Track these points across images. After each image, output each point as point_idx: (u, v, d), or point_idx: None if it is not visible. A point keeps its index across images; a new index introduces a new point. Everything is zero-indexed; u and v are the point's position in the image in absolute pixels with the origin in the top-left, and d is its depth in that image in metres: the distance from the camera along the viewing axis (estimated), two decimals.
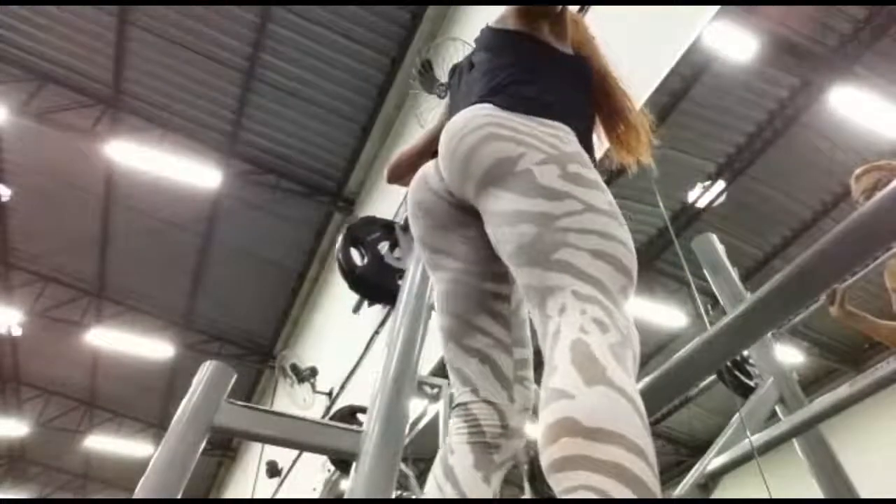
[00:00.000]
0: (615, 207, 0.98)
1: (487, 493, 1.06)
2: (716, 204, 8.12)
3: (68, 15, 7.43)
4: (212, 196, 8.84)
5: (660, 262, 9.30)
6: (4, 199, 9.21)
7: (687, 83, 7.11)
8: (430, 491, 1.08)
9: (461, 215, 1.15)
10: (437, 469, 1.10)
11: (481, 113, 1.05)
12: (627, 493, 0.68)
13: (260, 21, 7.25)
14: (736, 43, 6.58)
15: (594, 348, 0.79)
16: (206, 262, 10.05)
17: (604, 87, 1.31)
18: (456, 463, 1.08)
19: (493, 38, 1.22)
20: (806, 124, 7.32)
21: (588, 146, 1.12)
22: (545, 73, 1.14)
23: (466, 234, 1.16)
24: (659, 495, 0.72)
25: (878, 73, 6.71)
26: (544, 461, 0.74)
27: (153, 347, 11.30)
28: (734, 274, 2.55)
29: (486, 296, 1.16)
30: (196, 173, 8.42)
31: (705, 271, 2.59)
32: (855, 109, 6.95)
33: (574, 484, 0.70)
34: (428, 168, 1.20)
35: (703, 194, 8.09)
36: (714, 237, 2.60)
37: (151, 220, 9.45)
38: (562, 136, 1.02)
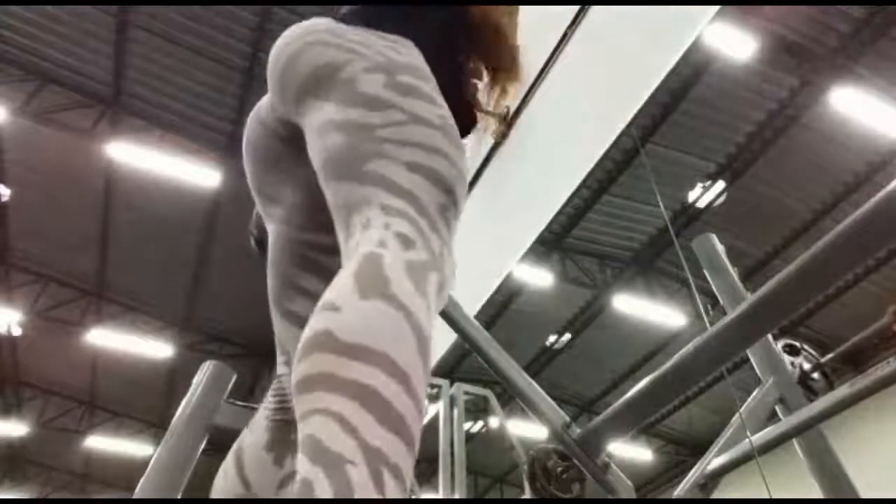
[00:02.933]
0: (451, 125, 0.88)
1: (276, 476, 0.93)
2: (716, 204, 8.12)
3: (68, 15, 7.43)
4: (212, 196, 8.84)
5: (660, 262, 9.31)
6: (4, 199, 9.21)
7: (687, 83, 7.12)
8: (217, 477, 0.97)
9: (286, 148, 1.02)
10: (230, 453, 0.99)
11: (311, 23, 0.97)
12: (368, 419, 0.57)
13: (260, 21, 7.25)
14: (736, 43, 6.58)
15: (385, 261, 0.68)
16: (206, 262, 10.05)
17: (483, 29, 1.23)
18: (248, 444, 0.97)
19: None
20: (806, 124, 7.32)
21: (443, 72, 1.01)
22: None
23: (292, 172, 1.02)
24: (412, 425, 0.60)
25: (878, 73, 6.71)
26: (293, 382, 0.63)
27: (153, 347, 11.30)
28: (734, 274, 2.55)
29: (312, 249, 1.02)
30: (196, 173, 8.43)
31: (705, 271, 2.58)
32: (855, 109, 6.95)
33: (308, 408, 0.59)
34: (262, 101, 1.09)
35: (703, 194, 8.10)
36: (714, 237, 2.60)
37: (151, 219, 9.45)
38: (399, 48, 0.92)
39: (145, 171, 8.41)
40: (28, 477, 15.10)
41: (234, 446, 0.99)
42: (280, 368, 1.03)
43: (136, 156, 8.27)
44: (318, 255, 1.02)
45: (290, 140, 1.00)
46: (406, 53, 0.92)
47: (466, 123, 1.23)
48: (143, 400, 12.94)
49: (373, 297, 0.64)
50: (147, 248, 9.88)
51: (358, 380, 0.59)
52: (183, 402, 1.69)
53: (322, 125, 0.85)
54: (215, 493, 0.95)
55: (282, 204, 1.04)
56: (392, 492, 0.55)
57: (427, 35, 1.00)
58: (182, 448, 1.61)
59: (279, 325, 1.04)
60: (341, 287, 0.67)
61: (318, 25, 0.96)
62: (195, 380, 1.74)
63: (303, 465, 0.57)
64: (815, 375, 2.31)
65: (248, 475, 0.93)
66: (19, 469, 14.84)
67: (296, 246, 1.03)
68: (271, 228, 1.06)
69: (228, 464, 0.97)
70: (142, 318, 11.25)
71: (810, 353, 2.34)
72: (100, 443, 13.53)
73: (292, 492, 0.59)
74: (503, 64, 1.29)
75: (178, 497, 1.56)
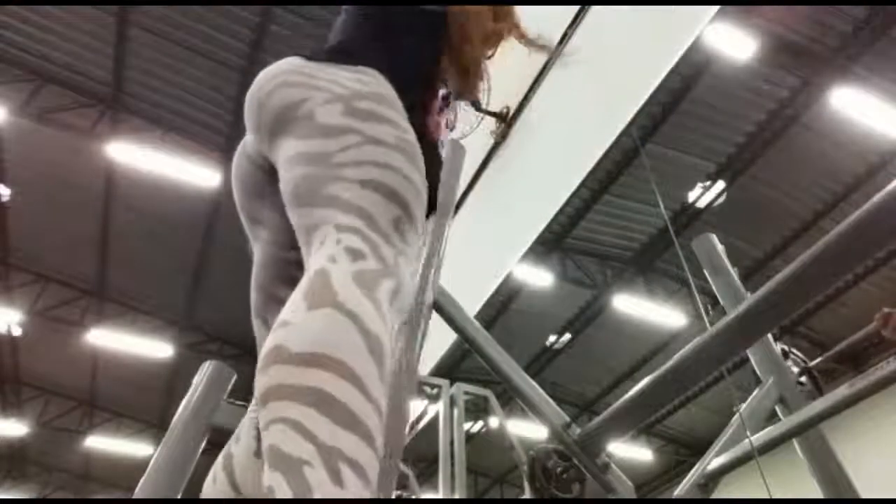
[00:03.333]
0: (410, 144, 0.91)
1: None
2: (716, 204, 8.12)
3: (68, 15, 7.43)
4: (212, 196, 8.84)
5: (660, 262, 9.31)
6: (4, 199, 9.21)
7: (687, 83, 7.12)
8: (206, 481, 1.01)
9: (268, 179, 1.06)
10: (219, 458, 1.03)
11: (280, 65, 1.01)
12: (325, 423, 0.60)
13: (260, 21, 7.25)
14: (736, 43, 6.58)
15: (332, 275, 0.71)
16: (206, 262, 10.05)
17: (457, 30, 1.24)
18: (236, 451, 1.00)
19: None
20: (806, 124, 7.32)
21: (418, 91, 1.08)
22: (375, 22, 1.12)
23: (275, 200, 1.05)
24: (368, 421, 0.62)
25: (878, 73, 6.71)
26: (255, 397, 0.67)
27: (153, 347, 11.30)
28: (734, 274, 2.55)
29: (290, 266, 1.07)
30: (196, 173, 8.43)
31: (705, 271, 2.58)
32: (855, 109, 6.95)
33: (271, 417, 0.62)
34: (247, 137, 1.13)
35: (703, 194, 8.10)
36: (714, 237, 2.60)
37: (151, 220, 9.45)
38: (364, 79, 0.96)
39: (145, 171, 8.41)
40: (28, 477, 15.09)
41: (224, 451, 1.02)
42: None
43: (136, 156, 8.27)
44: (296, 272, 1.08)
45: (270, 171, 1.04)
46: (369, 83, 0.95)
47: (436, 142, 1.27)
48: (143, 400, 12.94)
49: (320, 307, 0.68)
50: (147, 248, 9.88)
51: (311, 385, 0.62)
52: (183, 402, 1.69)
53: (286, 160, 0.89)
54: (204, 496, 0.99)
55: (267, 227, 1.10)
56: (352, 485, 0.58)
57: (402, 62, 1.05)
58: (182, 448, 1.61)
59: (262, 336, 1.09)
60: (291, 304, 0.71)
61: (285, 66, 0.99)
62: (195, 380, 1.74)
63: (266, 472, 0.60)
64: (803, 379, 2.31)
65: (238, 482, 0.96)
66: (19, 469, 14.84)
67: (279, 263, 1.09)
68: (257, 248, 1.13)
69: (218, 469, 1.00)
70: (142, 318, 11.25)
71: (798, 357, 2.35)
72: (100, 443, 13.52)
73: None
74: (467, 90, 1.33)
75: (178, 497, 1.56)
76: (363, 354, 0.66)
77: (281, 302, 1.01)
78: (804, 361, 2.34)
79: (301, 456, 0.58)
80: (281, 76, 0.97)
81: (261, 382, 0.65)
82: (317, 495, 0.56)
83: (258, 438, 0.99)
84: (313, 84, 0.94)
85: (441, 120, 1.19)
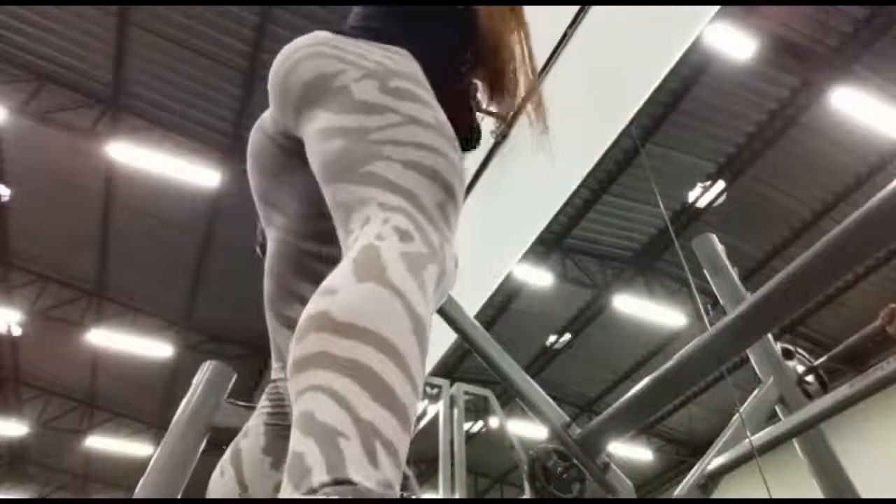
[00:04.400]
0: (445, 125, 0.90)
1: (274, 480, 0.95)
2: (716, 204, 8.12)
3: (68, 15, 7.43)
4: (212, 196, 8.84)
5: (660, 262, 9.31)
6: (4, 199, 9.21)
7: (687, 83, 7.12)
8: (214, 474, 0.98)
9: (289, 159, 1.05)
10: (227, 452, 1.01)
11: (309, 36, 0.98)
12: (361, 395, 0.57)
13: (260, 21, 7.25)
14: (736, 43, 6.58)
15: (383, 251, 0.70)
16: (206, 262, 10.05)
17: (492, 39, 1.21)
18: (245, 446, 0.99)
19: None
20: (806, 124, 7.32)
21: (444, 81, 1.04)
22: (410, 11, 1.09)
23: (293, 182, 1.06)
24: (407, 403, 0.60)
25: (878, 73, 6.71)
26: (289, 365, 0.64)
27: (153, 347, 11.30)
28: (734, 274, 2.55)
29: (309, 258, 1.05)
30: (196, 173, 8.42)
31: (705, 271, 2.58)
32: (855, 109, 6.95)
33: (304, 385, 0.60)
34: (265, 114, 1.11)
35: (703, 194, 8.10)
36: (714, 237, 2.60)
37: (151, 219, 9.45)
38: (394, 56, 0.94)
39: (145, 172, 8.41)
40: (28, 477, 15.09)
41: (232, 446, 1.00)
42: (276, 373, 1.05)
43: (136, 156, 8.27)
44: (315, 264, 1.05)
45: (291, 151, 1.02)
46: (400, 61, 0.94)
47: (467, 134, 1.26)
48: (143, 400, 12.94)
49: (369, 281, 0.66)
50: (147, 248, 9.88)
51: (352, 357, 0.59)
52: (183, 402, 1.69)
53: (320, 132, 0.87)
54: (211, 490, 0.97)
55: (283, 213, 1.07)
56: (387, 467, 0.55)
57: (429, 49, 1.01)
58: (182, 448, 1.61)
59: (276, 330, 1.06)
60: (339, 273, 0.69)
61: (315, 38, 0.97)
62: (195, 380, 1.74)
63: (295, 438, 0.57)
64: (810, 378, 2.30)
65: (246, 478, 0.95)
66: (19, 469, 14.84)
67: (295, 254, 1.06)
68: (272, 236, 1.09)
69: (226, 464, 0.98)
70: (142, 318, 11.25)
71: (804, 357, 2.34)
72: (100, 443, 13.52)
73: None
74: (502, 79, 1.28)
75: (178, 497, 1.56)
76: (407, 334, 0.64)
77: (298, 297, 1.04)
78: (810, 361, 2.34)
79: (336, 426, 0.55)
80: (311, 46, 0.95)
81: (298, 349, 0.63)
82: (350, 470, 0.53)
83: (267, 434, 0.98)
84: (345, 58, 0.92)
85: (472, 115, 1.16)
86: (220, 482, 0.96)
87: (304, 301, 0.98)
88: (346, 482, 0.52)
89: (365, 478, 0.53)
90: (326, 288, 0.67)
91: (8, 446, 13.90)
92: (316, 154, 0.87)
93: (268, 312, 1.08)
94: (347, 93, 0.87)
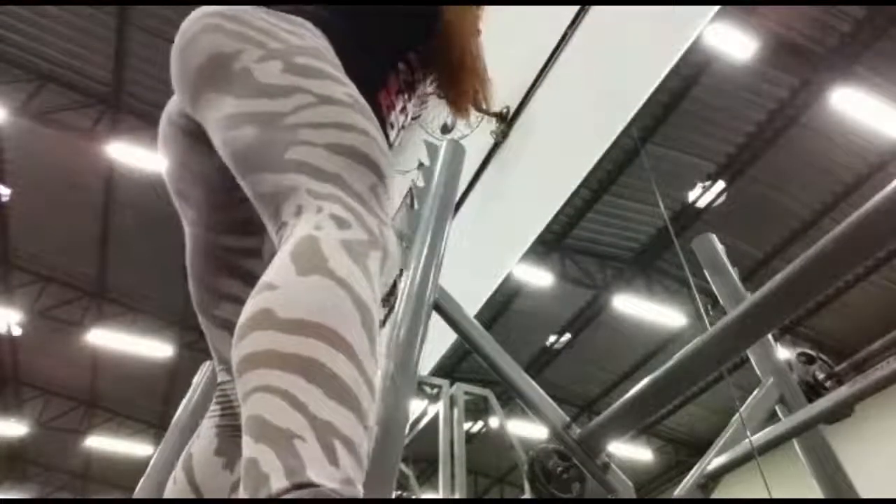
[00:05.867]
0: (358, 100, 0.84)
1: (228, 481, 0.92)
2: (716, 204, 8.13)
3: (68, 15, 7.43)
4: None
5: (660, 262, 9.31)
6: (4, 199, 9.21)
7: (687, 83, 7.12)
8: (168, 484, 0.95)
9: (193, 144, 0.96)
10: (180, 458, 0.98)
11: (213, 7, 0.90)
12: (316, 393, 0.54)
13: None
14: (736, 43, 6.58)
15: (322, 241, 0.66)
16: None
17: (448, 34, 1.16)
18: (196, 450, 0.96)
19: None
20: (806, 124, 7.32)
21: (377, 64, 1.01)
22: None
23: (202, 171, 0.97)
24: (362, 398, 0.58)
25: (878, 73, 6.71)
26: (233, 365, 0.60)
27: (153, 347, 11.30)
28: (734, 274, 2.55)
29: (230, 253, 0.99)
30: None
31: (705, 271, 2.58)
32: (855, 109, 6.95)
33: (254, 385, 0.56)
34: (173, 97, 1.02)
35: (703, 194, 8.10)
36: (714, 237, 2.60)
37: (151, 220, 9.44)
38: (299, 31, 0.88)
39: (145, 171, 8.41)
40: (28, 477, 15.09)
41: (183, 453, 0.98)
42: (220, 376, 1.02)
43: (136, 156, 8.27)
44: (238, 259, 0.99)
45: (194, 135, 0.94)
46: (306, 36, 0.88)
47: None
48: (143, 400, 12.93)
49: (311, 274, 0.63)
50: (147, 248, 9.87)
51: (301, 353, 0.57)
52: (183, 402, 1.70)
53: (226, 119, 0.81)
54: (166, 497, 0.95)
55: (195, 206, 0.99)
56: (348, 465, 0.53)
57: (364, 33, 0.98)
58: (182, 448, 1.61)
59: (210, 333, 1.03)
60: (278, 267, 0.65)
61: (215, 10, 0.90)
62: (195, 380, 1.74)
63: (247, 444, 0.54)
64: (829, 384, 2.30)
65: (198, 481, 0.92)
66: (19, 469, 14.84)
67: (214, 250, 0.99)
68: (188, 232, 1.02)
69: (177, 470, 0.95)
70: (142, 318, 11.24)
71: (825, 362, 2.34)
72: (100, 443, 13.53)
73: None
74: (460, 82, 1.23)
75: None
76: (356, 326, 0.61)
77: (226, 296, 0.99)
78: (831, 366, 2.33)
79: (290, 428, 0.52)
80: (209, 18, 0.88)
81: (241, 348, 0.60)
82: (311, 473, 0.50)
83: (219, 436, 0.96)
84: (246, 34, 0.85)
85: (397, 101, 1.09)
86: (173, 489, 0.93)
87: (231, 298, 0.99)
88: (308, 485, 0.50)
89: (327, 478, 0.51)
90: (265, 283, 0.64)
91: (8, 446, 13.89)
92: (226, 144, 0.81)
93: (199, 315, 1.03)
94: (249, 76, 0.81)
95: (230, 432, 0.96)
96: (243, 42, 0.84)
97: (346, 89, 0.84)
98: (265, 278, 0.65)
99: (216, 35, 0.86)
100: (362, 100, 0.85)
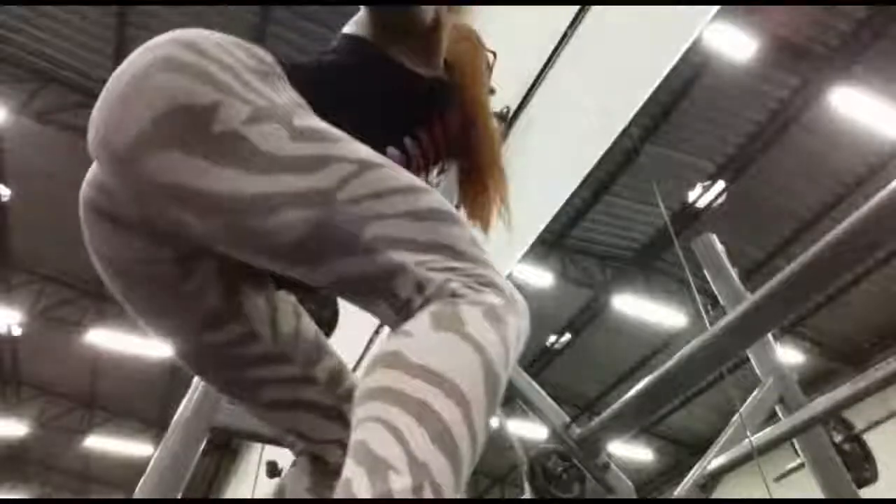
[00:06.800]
0: (383, 157, 0.78)
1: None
2: (716, 204, 8.13)
3: (68, 15, 7.43)
4: None
5: (660, 262, 9.31)
6: (4, 199, 9.21)
7: (687, 83, 7.12)
8: None
9: (120, 231, 0.81)
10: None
11: (166, 38, 0.76)
12: (420, 434, 0.56)
13: (260, 21, 7.25)
14: (736, 43, 6.58)
15: (462, 308, 0.66)
16: None
17: (468, 131, 1.07)
18: (287, 483, 0.99)
19: (342, 43, 1.00)
20: (806, 124, 7.32)
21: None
22: (362, 86, 0.92)
23: (146, 267, 0.84)
24: (464, 452, 0.59)
25: (879, 73, 6.71)
26: (356, 393, 0.63)
27: (153, 347, 11.29)
28: (734, 274, 2.55)
29: (224, 348, 0.90)
30: None
31: (705, 271, 2.59)
32: (855, 109, 6.95)
33: (367, 415, 0.59)
34: (92, 175, 0.83)
35: (703, 194, 8.10)
36: (714, 237, 2.61)
37: None
38: (273, 81, 0.77)
39: None
40: (28, 477, 15.09)
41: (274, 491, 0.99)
42: (297, 448, 1.01)
43: None
44: (233, 350, 0.89)
45: (120, 221, 0.79)
46: (279, 86, 0.77)
47: None
48: (143, 400, 12.93)
49: (447, 331, 0.64)
50: None
51: (418, 397, 0.59)
52: (183, 402, 1.69)
53: (244, 201, 0.68)
54: None
55: (149, 311, 0.90)
56: None
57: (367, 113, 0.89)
58: (182, 448, 1.61)
59: (272, 418, 0.97)
60: (417, 320, 0.66)
61: (164, 38, 0.76)
62: (195, 379, 1.74)
63: (347, 466, 0.57)
64: (848, 448, 2.29)
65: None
66: (19, 469, 14.84)
67: (203, 351, 0.90)
68: (176, 350, 0.93)
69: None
70: None
71: (842, 426, 2.32)
72: (100, 443, 13.53)
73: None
74: (478, 173, 1.13)
75: (178, 497, 1.56)
76: (479, 385, 0.62)
77: (258, 380, 0.91)
78: (848, 428, 2.33)
79: (389, 459, 0.55)
80: (157, 49, 0.73)
81: (366, 381, 0.62)
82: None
83: (312, 475, 0.96)
84: (211, 74, 0.71)
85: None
86: None
87: (267, 381, 0.91)
88: None
89: None
90: (402, 330, 0.66)
91: (8, 446, 13.90)
92: (259, 234, 0.69)
93: (251, 411, 0.97)
94: (250, 145, 0.69)
95: (323, 470, 0.96)
96: (214, 88, 0.70)
97: (366, 149, 0.76)
98: (403, 327, 0.66)
99: (175, 76, 0.70)
100: (382, 155, 0.78)
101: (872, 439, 2.43)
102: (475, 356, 0.63)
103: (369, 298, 0.73)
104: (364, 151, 0.75)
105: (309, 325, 0.98)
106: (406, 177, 0.76)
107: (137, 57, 0.75)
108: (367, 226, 0.69)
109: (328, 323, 1.42)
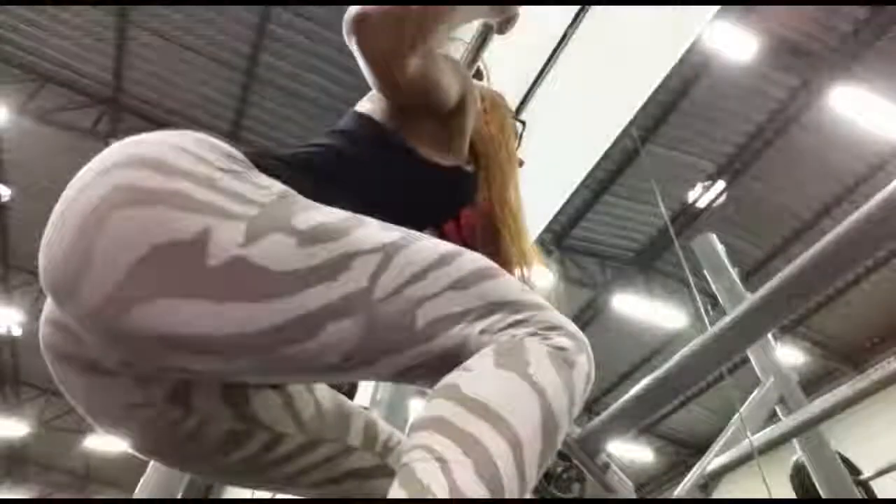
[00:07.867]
0: (392, 224, 0.72)
1: None
2: (716, 204, 8.13)
3: (68, 15, 7.43)
4: None
5: (660, 262, 9.31)
6: (4, 199, 9.21)
7: (687, 83, 7.12)
8: None
9: (101, 378, 0.77)
10: None
11: (109, 156, 0.71)
12: (466, 467, 0.56)
13: (260, 21, 7.25)
14: (736, 43, 6.59)
15: (528, 347, 0.65)
16: None
17: (490, 230, 1.06)
18: None
19: (350, 122, 0.93)
20: (806, 124, 7.33)
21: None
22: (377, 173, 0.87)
23: (136, 411, 0.79)
24: (508, 492, 0.58)
25: (878, 73, 6.71)
26: (410, 422, 0.63)
27: None
28: (734, 274, 2.56)
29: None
30: None
31: (705, 271, 2.59)
32: (855, 109, 6.95)
33: (418, 443, 0.59)
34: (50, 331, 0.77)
35: (703, 194, 8.11)
36: (714, 237, 2.61)
37: None
38: (254, 177, 0.69)
39: None
40: (28, 477, 15.09)
41: None
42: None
43: None
44: (272, 454, 0.86)
45: (98, 369, 0.74)
46: (260, 179, 0.69)
47: None
48: None
49: (509, 370, 0.63)
50: None
51: (469, 431, 0.58)
52: None
53: (272, 332, 0.62)
54: None
55: (198, 444, 0.81)
56: None
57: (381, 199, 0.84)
58: None
59: (325, 493, 0.92)
60: (480, 357, 0.65)
61: (122, 157, 0.68)
62: None
63: (392, 488, 0.57)
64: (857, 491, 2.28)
65: None
66: (19, 469, 14.84)
67: (244, 462, 0.85)
68: (194, 470, 0.88)
69: None
70: None
71: (852, 468, 2.31)
72: (100, 443, 13.52)
73: None
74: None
75: (179, 497, 1.56)
76: (535, 428, 0.61)
77: (295, 474, 0.88)
78: (856, 472, 2.32)
79: (431, 486, 0.55)
80: (118, 175, 0.64)
81: (424, 409, 0.62)
82: None
83: None
84: (188, 195, 0.61)
85: None
86: None
87: (304, 470, 0.88)
88: None
89: None
90: (464, 366, 0.65)
91: (8, 446, 13.90)
92: (320, 341, 0.63)
93: (297, 494, 0.94)
94: (256, 269, 0.61)
95: None
96: (195, 212, 0.61)
97: (374, 223, 0.71)
98: (465, 363, 0.65)
99: (143, 211, 0.60)
100: (403, 227, 0.74)
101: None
102: (535, 398, 0.62)
103: (440, 379, 0.67)
104: (378, 232, 0.69)
105: (325, 396, 0.93)
106: (432, 245, 0.71)
107: (92, 182, 0.64)
108: (416, 314, 0.66)
109: (348, 392, 1.38)
